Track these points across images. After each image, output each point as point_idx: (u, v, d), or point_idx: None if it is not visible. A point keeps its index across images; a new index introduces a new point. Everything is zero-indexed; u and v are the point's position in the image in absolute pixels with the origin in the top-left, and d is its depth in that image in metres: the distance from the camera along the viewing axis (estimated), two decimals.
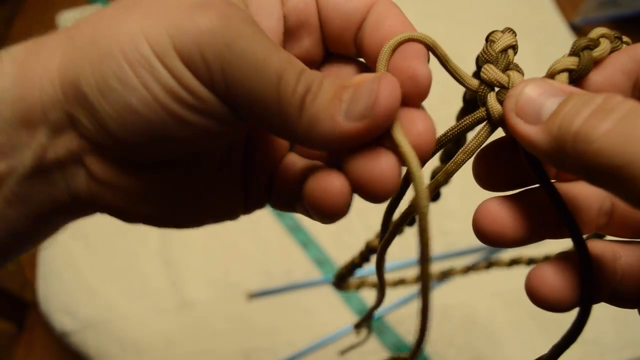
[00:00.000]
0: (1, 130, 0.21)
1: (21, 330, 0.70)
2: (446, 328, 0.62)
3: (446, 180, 0.24)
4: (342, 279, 0.40)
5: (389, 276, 0.52)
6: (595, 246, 0.23)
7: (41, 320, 0.67)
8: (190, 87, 0.21)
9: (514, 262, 0.49)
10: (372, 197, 0.22)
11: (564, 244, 0.24)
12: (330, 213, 0.23)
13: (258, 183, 0.28)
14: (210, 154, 0.26)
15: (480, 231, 0.24)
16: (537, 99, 0.21)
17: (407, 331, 0.63)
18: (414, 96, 0.22)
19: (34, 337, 0.69)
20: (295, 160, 0.28)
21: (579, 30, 0.91)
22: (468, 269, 0.54)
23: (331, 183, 0.22)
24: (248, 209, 0.29)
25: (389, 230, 0.26)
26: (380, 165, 0.22)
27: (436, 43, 0.23)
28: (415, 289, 0.65)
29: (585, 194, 0.24)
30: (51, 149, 0.22)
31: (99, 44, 0.21)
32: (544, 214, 0.24)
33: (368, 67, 0.26)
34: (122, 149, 0.23)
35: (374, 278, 0.47)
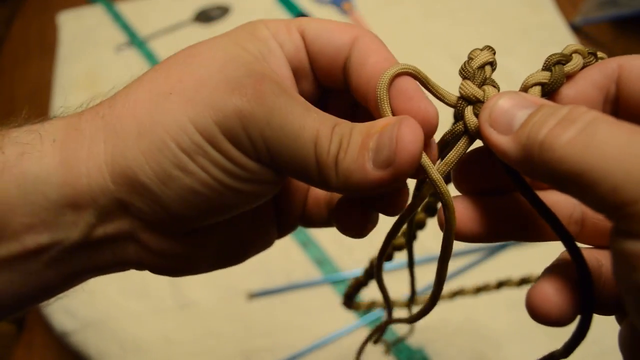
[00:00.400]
0: (46, 209, 0.23)
1: (21, 330, 0.70)
2: (446, 328, 0.62)
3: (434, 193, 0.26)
4: (350, 298, 0.42)
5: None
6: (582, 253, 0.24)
7: (41, 320, 0.67)
8: (241, 164, 0.23)
9: (523, 282, 0.49)
10: (390, 215, 0.26)
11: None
12: (359, 237, 0.27)
13: (291, 212, 0.31)
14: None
15: (440, 224, 0.25)
16: (509, 110, 0.22)
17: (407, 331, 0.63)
18: (427, 133, 0.23)
19: (34, 337, 0.69)
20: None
21: (579, 30, 0.91)
22: (479, 290, 0.54)
23: (360, 223, 0.26)
24: (282, 234, 0.32)
25: (384, 242, 0.28)
26: (403, 198, 0.25)
27: (417, 69, 0.25)
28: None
29: (554, 201, 0.25)
30: (100, 228, 0.24)
31: (149, 136, 0.22)
32: (506, 216, 0.25)
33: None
34: (180, 224, 0.24)
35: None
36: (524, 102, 0.22)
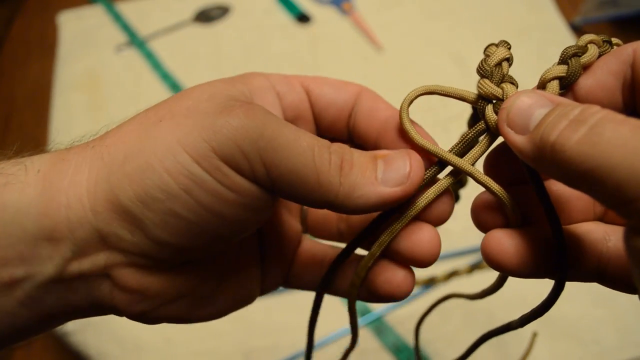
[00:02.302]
0: (22, 241, 0.22)
1: None
2: (446, 328, 0.62)
3: (461, 183, 0.28)
4: None
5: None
6: (583, 226, 0.25)
7: None
8: (232, 185, 0.22)
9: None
10: (422, 265, 0.26)
11: None
12: (399, 299, 0.27)
13: (276, 267, 0.31)
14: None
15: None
16: (527, 110, 0.22)
17: (407, 331, 0.63)
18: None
19: (17, 347, 0.69)
20: (313, 246, 0.31)
21: (579, 30, 0.91)
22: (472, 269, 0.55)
23: (400, 278, 0.27)
24: (264, 291, 0.32)
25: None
26: (431, 240, 0.26)
27: (431, 87, 0.26)
28: (415, 289, 0.65)
29: None
30: (75, 263, 0.23)
31: (135, 159, 0.22)
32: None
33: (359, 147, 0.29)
34: (163, 252, 0.23)
35: None
36: (540, 101, 0.22)
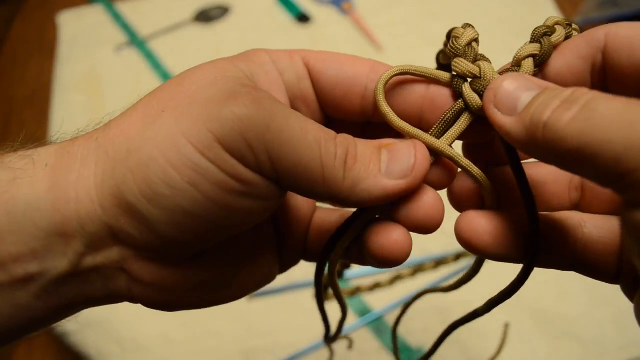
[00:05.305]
0: (34, 237, 0.22)
1: None
2: (444, 328, 0.62)
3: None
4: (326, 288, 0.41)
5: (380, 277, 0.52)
6: (560, 213, 0.25)
7: None
8: (238, 175, 0.21)
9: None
10: (425, 232, 0.25)
11: None
12: (397, 262, 0.25)
13: (293, 243, 0.30)
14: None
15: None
16: (514, 92, 0.22)
17: (407, 331, 0.63)
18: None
19: (34, 337, 0.69)
20: (326, 215, 0.30)
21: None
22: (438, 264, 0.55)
23: (396, 237, 0.24)
24: (283, 268, 0.31)
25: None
26: (429, 205, 0.24)
27: (405, 67, 0.26)
28: (414, 289, 0.65)
29: (552, 168, 0.26)
30: (89, 257, 0.23)
31: (138, 153, 0.21)
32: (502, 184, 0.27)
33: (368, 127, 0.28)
34: (171, 248, 0.23)
35: (369, 282, 0.48)
36: (528, 84, 0.22)
